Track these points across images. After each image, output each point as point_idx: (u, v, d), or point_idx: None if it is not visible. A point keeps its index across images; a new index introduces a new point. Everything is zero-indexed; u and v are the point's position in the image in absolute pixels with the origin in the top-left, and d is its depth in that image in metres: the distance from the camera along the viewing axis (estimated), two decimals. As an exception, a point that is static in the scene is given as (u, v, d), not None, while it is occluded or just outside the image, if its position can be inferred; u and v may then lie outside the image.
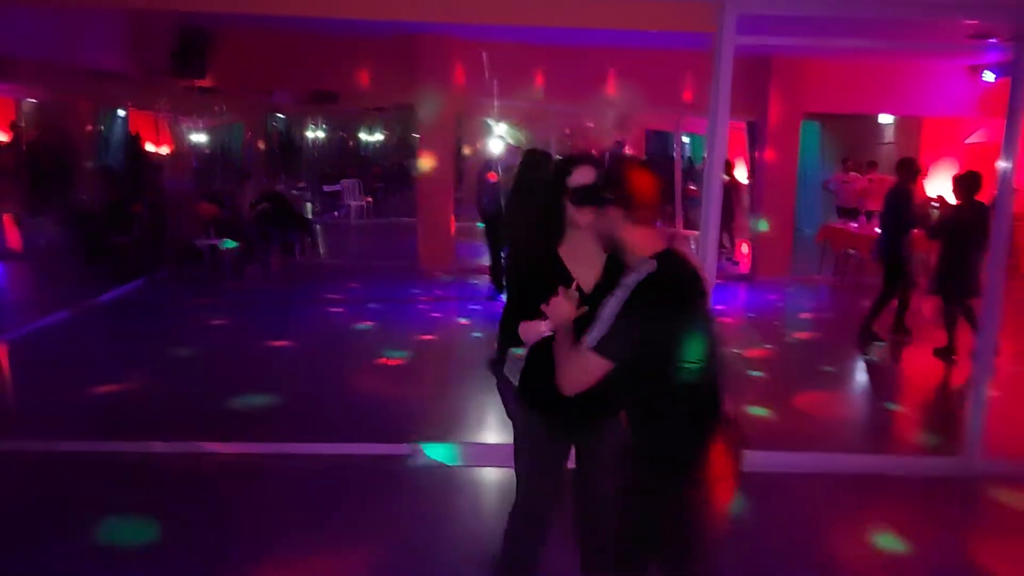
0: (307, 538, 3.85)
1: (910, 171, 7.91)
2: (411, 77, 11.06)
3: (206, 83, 11.15)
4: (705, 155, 4.74)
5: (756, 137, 12.40)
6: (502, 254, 9.04)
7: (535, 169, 6.40)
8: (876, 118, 15.05)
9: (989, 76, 11.31)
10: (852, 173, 13.42)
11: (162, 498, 4.26)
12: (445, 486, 4.53)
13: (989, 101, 11.75)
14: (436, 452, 4.85)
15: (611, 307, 2.30)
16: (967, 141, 13.33)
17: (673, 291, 2.34)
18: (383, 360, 7.00)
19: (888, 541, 4.01)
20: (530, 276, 2.75)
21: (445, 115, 11.34)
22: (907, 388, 7.31)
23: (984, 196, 7.08)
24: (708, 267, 4.45)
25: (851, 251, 11.40)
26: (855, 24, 4.84)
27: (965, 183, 7.22)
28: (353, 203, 18.17)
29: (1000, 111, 12.50)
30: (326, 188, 18.74)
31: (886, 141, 15.21)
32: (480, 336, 8.10)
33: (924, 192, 13.96)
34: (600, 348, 2.28)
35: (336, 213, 17.97)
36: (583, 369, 2.33)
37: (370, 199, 18.75)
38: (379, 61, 11.32)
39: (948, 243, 7.24)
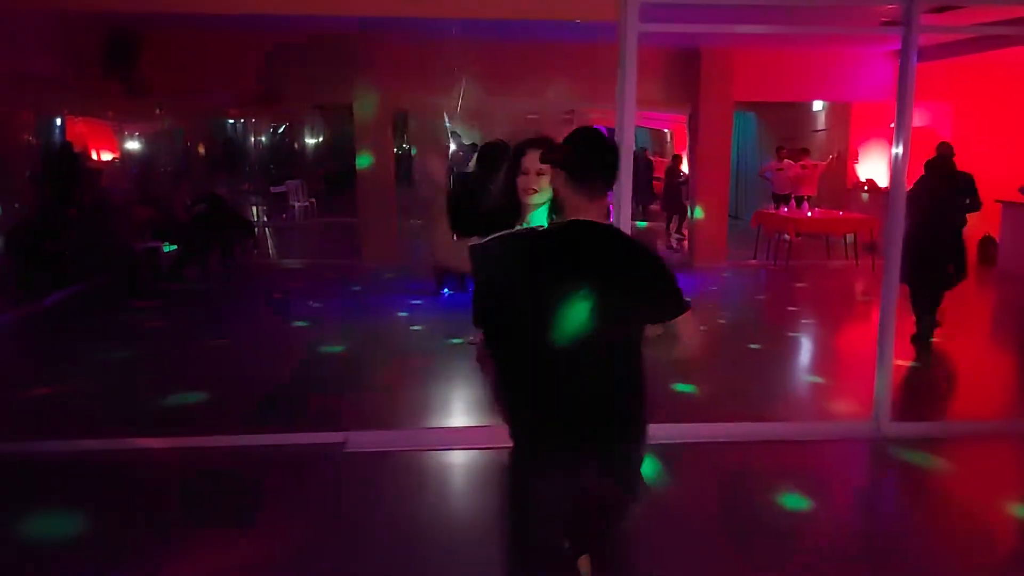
0: (241, 525, 3.93)
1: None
2: (351, 75, 11.10)
3: (141, 86, 11.03)
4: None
5: (691, 128, 12.67)
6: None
7: (496, 161, 6.48)
8: (809, 105, 15.46)
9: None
10: (786, 160, 13.78)
11: (91, 494, 4.29)
12: (380, 471, 4.63)
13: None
14: (371, 439, 4.94)
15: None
16: (892, 125, 13.76)
17: (538, 254, 2.36)
18: (321, 354, 7.07)
19: (797, 501, 4.22)
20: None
21: (382, 112, 11.41)
22: (832, 362, 7.58)
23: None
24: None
25: (784, 235, 11.74)
26: (760, 10, 5.04)
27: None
28: (298, 204, 18.12)
29: (923, 95, 12.98)
30: (273, 189, 18.66)
31: (819, 128, 15.64)
32: (419, 329, 8.22)
33: (856, 175, 14.43)
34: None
35: (283, 215, 17.90)
36: None
37: (313, 200, 18.73)
38: (319, 60, 11.32)
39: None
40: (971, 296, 10.04)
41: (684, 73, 11.63)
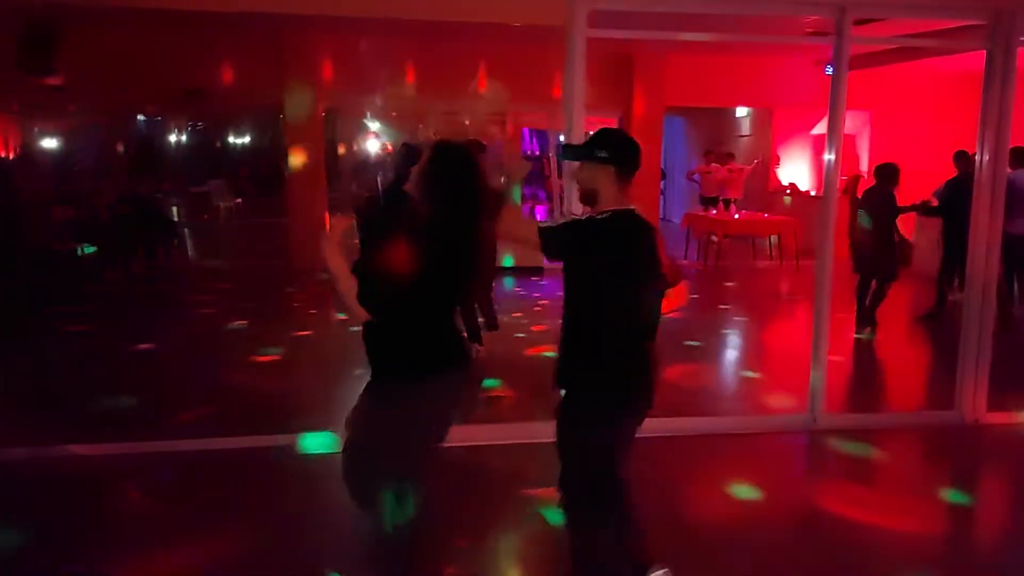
0: (177, 532, 3.81)
1: (968, 162, 7.82)
2: (279, 74, 10.90)
3: (56, 80, 10.58)
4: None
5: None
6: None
7: (447, 161, 6.44)
8: (733, 111, 15.91)
9: (829, 69, 12.17)
10: (713, 164, 14.13)
11: (18, 503, 4.10)
12: (322, 474, 4.55)
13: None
14: (312, 441, 4.85)
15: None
16: (812, 132, 14.29)
17: (615, 234, 2.82)
18: (255, 357, 6.91)
19: (743, 491, 4.33)
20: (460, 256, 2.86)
21: (314, 112, 11.23)
22: (765, 357, 7.81)
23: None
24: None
25: (713, 236, 12.04)
26: (701, 19, 5.16)
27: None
28: (222, 204, 17.66)
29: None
30: (194, 189, 18.15)
31: (743, 133, 16.09)
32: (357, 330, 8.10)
33: (779, 180, 14.90)
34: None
35: (205, 216, 17.41)
36: None
37: (239, 200, 18.29)
38: (246, 57, 11.08)
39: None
40: (890, 296, 10.50)
41: (617, 78, 11.83)
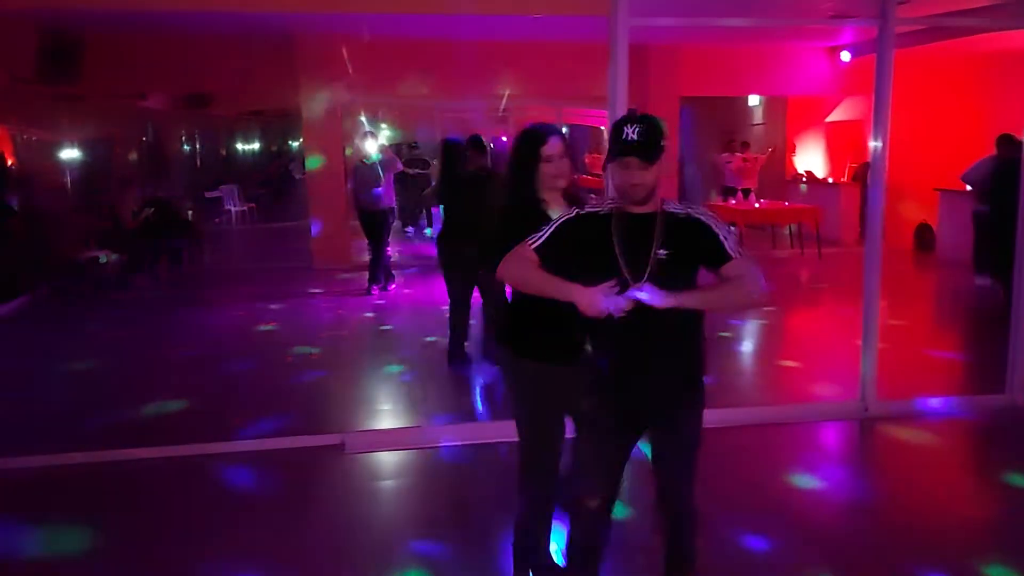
0: (251, 530, 3.82)
1: (1014, 145, 7.65)
2: (293, 77, 10.92)
3: (76, 90, 10.60)
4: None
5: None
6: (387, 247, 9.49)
7: (458, 159, 6.41)
8: (746, 100, 15.87)
9: (846, 56, 12.17)
10: (728, 154, 14.08)
11: (88, 507, 4.11)
12: (381, 471, 4.56)
13: (846, 80, 12.65)
14: (369, 439, 4.87)
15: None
16: (827, 119, 14.25)
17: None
18: (292, 357, 6.93)
19: (803, 480, 4.33)
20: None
21: (331, 113, 11.23)
22: (800, 346, 7.79)
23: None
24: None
25: (733, 226, 12.02)
26: (729, 5, 5.14)
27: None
28: (234, 208, 17.72)
29: (856, 89, 13.40)
30: (207, 194, 18.18)
31: (756, 122, 16.06)
32: (389, 328, 8.13)
33: (794, 167, 14.87)
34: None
35: (217, 220, 17.43)
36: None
37: (253, 204, 18.33)
38: (259, 62, 11.07)
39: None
40: (914, 281, 10.49)
41: (631, 70, 11.76)
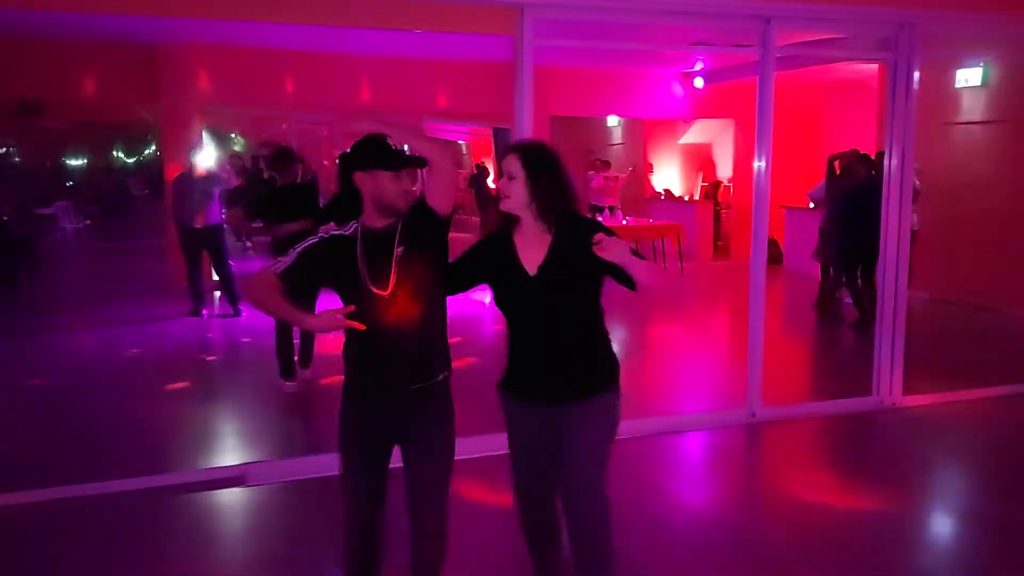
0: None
1: (871, 165, 8.01)
2: (151, 86, 10.24)
3: None
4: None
5: (504, 141, 13.01)
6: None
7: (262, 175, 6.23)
8: (606, 120, 16.44)
9: (699, 82, 12.86)
10: (593, 172, 14.46)
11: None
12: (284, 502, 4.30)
13: (699, 105, 13.37)
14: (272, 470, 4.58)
15: None
16: (680, 141, 15.02)
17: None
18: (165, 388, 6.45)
19: (698, 488, 4.47)
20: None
21: (193, 127, 10.62)
22: (679, 357, 8.07)
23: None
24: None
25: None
26: (612, 28, 5.29)
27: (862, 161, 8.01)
28: (70, 226, 16.56)
29: (708, 113, 14.06)
30: (39, 211, 16.75)
31: (616, 142, 16.66)
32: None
33: (652, 186, 15.52)
34: None
35: (51, 238, 16.11)
36: None
37: (88, 222, 17.22)
38: (110, 70, 10.30)
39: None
40: (770, 292, 11.12)
41: (499, 87, 11.89)
